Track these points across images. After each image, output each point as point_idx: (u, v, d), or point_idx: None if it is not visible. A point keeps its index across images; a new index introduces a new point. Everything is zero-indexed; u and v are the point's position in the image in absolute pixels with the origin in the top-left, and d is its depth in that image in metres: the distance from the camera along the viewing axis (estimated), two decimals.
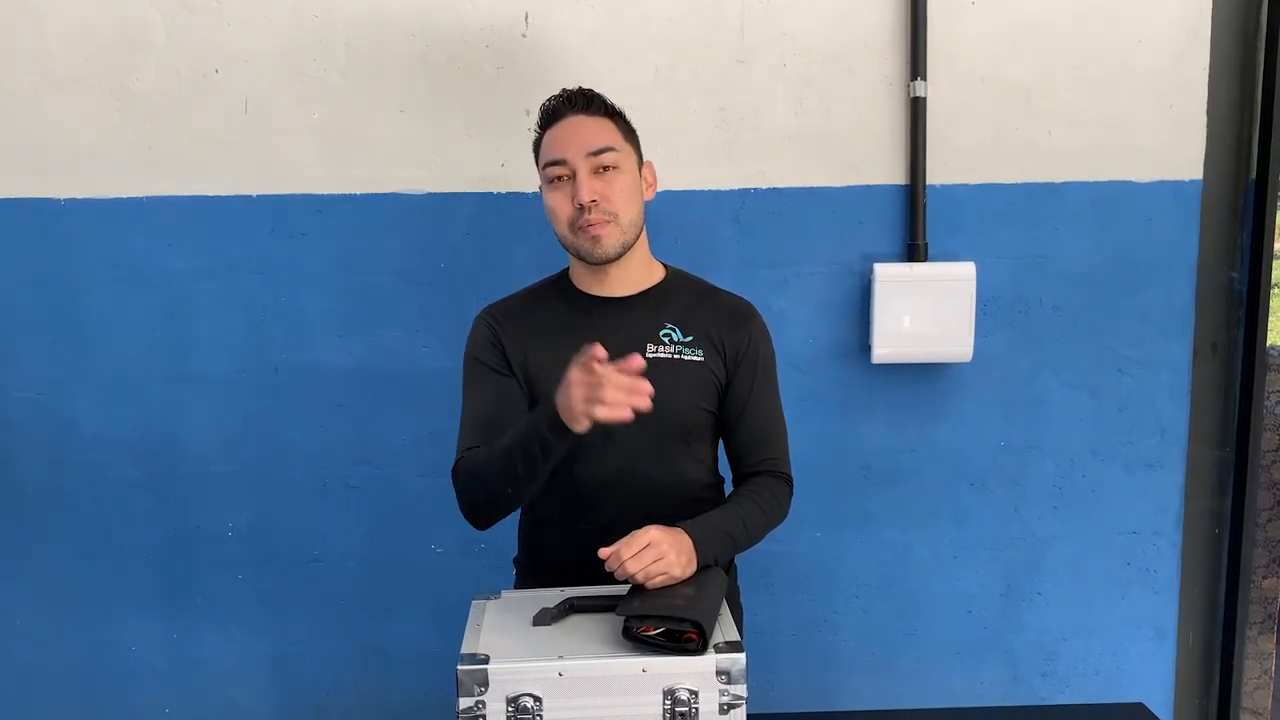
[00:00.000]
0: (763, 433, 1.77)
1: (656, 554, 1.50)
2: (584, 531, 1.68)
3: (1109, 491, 2.44)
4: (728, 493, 1.80)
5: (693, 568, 1.55)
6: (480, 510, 1.68)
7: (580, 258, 1.70)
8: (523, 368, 1.72)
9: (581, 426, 1.47)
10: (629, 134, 1.74)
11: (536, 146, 1.74)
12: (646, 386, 1.43)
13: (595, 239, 1.65)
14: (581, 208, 1.64)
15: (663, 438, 1.69)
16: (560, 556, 1.75)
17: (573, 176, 1.65)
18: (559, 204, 1.67)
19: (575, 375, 1.45)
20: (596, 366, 1.43)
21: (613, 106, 1.72)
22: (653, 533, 1.52)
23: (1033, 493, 2.44)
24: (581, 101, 1.69)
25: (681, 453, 1.72)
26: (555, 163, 1.66)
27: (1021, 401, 2.41)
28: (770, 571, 2.44)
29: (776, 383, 1.81)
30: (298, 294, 2.35)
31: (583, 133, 1.66)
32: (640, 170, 1.74)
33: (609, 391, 1.42)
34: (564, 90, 1.71)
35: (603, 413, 1.43)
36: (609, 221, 1.65)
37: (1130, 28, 2.29)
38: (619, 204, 1.66)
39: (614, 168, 1.66)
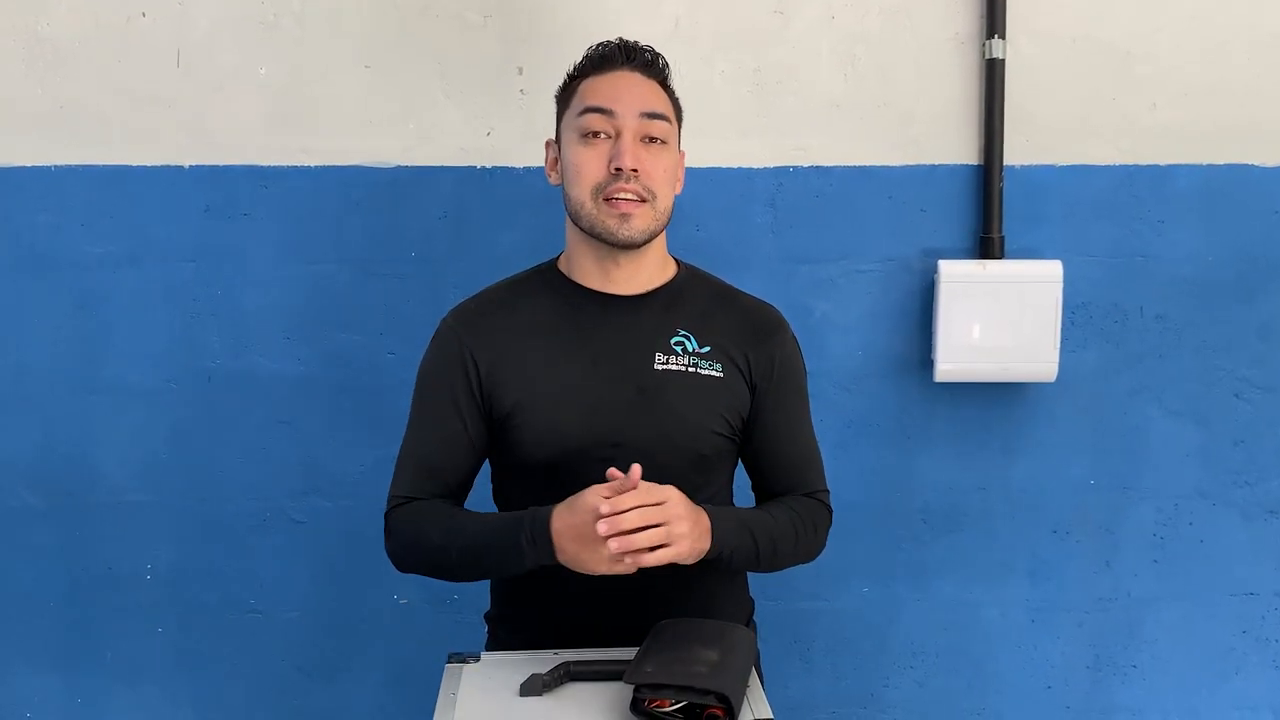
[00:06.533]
0: (799, 461, 1.77)
1: (664, 516, 1.48)
2: (572, 582, 1.62)
3: (1221, 543, 2.42)
4: None
5: (696, 556, 1.54)
6: (415, 570, 1.73)
7: (595, 235, 1.66)
8: (495, 380, 1.69)
9: (620, 568, 1.48)
10: (679, 115, 1.74)
11: (564, 94, 1.72)
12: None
13: (624, 216, 1.63)
14: (618, 172, 1.62)
15: (672, 467, 1.64)
16: (542, 612, 1.73)
17: (614, 136, 1.64)
18: (589, 163, 1.64)
19: (600, 528, 1.45)
20: (605, 525, 1.44)
21: (670, 80, 1.73)
22: (674, 492, 1.51)
23: (1128, 543, 2.43)
24: (643, 58, 1.69)
25: (692, 484, 1.64)
26: (599, 110, 1.64)
27: (1115, 431, 2.39)
28: (806, 634, 2.44)
29: (808, 402, 1.81)
30: (236, 287, 2.33)
31: (639, 90, 1.66)
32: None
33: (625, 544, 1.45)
34: (622, 39, 1.70)
35: (630, 562, 1.47)
36: (645, 201, 1.64)
37: None
38: (659, 184, 1.65)
39: (663, 142, 1.66)
